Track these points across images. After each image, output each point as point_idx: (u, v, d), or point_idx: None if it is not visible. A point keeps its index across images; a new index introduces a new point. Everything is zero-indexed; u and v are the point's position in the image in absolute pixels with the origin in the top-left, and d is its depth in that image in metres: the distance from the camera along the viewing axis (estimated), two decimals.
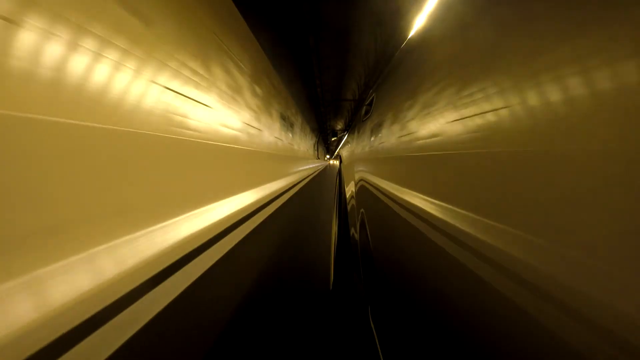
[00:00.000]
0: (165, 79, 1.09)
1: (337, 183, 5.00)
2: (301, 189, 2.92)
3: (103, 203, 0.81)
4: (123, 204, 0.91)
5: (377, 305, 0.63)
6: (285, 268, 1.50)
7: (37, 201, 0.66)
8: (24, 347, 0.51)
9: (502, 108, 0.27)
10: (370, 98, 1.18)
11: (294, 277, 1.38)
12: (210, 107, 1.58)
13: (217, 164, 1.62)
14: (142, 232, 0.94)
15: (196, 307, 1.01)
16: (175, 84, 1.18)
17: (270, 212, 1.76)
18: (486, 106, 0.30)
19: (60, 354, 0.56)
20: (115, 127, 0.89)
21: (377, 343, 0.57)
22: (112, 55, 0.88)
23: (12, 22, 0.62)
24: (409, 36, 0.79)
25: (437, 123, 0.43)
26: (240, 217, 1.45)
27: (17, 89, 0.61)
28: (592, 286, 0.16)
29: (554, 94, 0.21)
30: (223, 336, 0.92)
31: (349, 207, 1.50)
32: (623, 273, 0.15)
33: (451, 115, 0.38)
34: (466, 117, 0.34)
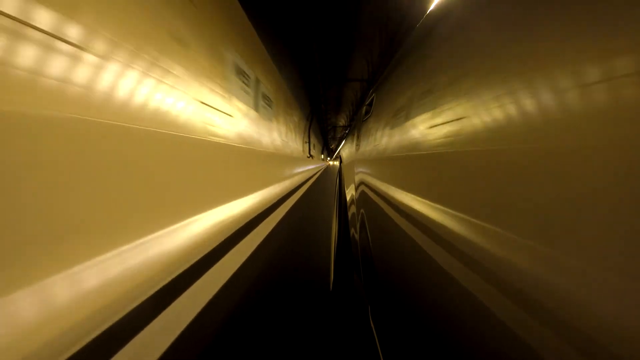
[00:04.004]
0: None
1: (337, 182, 5.00)
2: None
3: (124, 203, 0.82)
4: (149, 202, 0.91)
5: (377, 305, 0.63)
6: (286, 269, 1.50)
7: (64, 201, 0.67)
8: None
9: (507, 106, 0.27)
10: (371, 98, 1.17)
11: (294, 278, 1.38)
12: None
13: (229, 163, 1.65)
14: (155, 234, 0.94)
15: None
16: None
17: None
18: (490, 105, 0.30)
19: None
20: (156, 130, 0.95)
21: (377, 343, 0.57)
22: (140, 63, 0.93)
23: (53, 36, 0.65)
24: (409, 34, 0.78)
25: (439, 122, 0.42)
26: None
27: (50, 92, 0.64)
28: (602, 295, 0.15)
29: (557, 93, 0.21)
30: (221, 336, 0.91)
31: (349, 208, 1.50)
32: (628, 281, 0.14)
33: (453, 115, 0.38)
34: (469, 116, 0.34)
